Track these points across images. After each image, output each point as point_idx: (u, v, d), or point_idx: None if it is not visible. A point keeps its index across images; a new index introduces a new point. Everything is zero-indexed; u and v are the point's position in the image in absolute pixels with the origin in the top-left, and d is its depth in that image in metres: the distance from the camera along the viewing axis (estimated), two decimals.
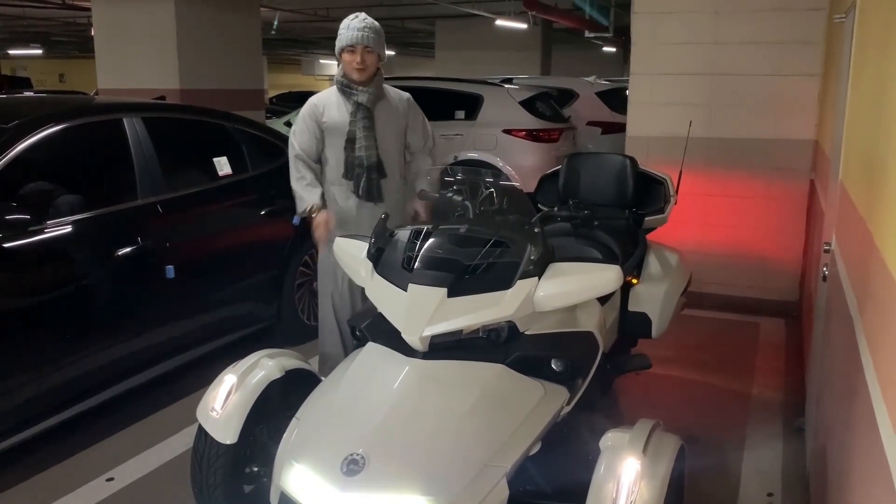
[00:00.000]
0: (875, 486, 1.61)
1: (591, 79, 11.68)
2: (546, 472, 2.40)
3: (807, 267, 5.04)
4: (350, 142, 3.63)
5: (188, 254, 4.06)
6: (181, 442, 3.54)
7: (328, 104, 3.70)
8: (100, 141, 3.94)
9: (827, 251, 3.18)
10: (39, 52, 25.63)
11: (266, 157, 4.86)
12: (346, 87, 3.64)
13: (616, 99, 9.70)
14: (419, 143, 3.87)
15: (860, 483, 1.85)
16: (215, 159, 4.45)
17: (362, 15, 3.59)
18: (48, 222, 3.40)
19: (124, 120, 3.95)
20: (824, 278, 3.20)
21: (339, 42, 3.57)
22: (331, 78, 32.01)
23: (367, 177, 3.66)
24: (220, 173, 4.45)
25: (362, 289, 3.67)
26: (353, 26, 3.54)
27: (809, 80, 5.23)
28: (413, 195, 3.76)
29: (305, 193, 3.70)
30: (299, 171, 3.72)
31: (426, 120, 3.91)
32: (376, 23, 3.61)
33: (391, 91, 3.80)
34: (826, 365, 3.01)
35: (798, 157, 5.35)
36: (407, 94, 3.85)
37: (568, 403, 2.53)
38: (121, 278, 3.71)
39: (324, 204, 3.69)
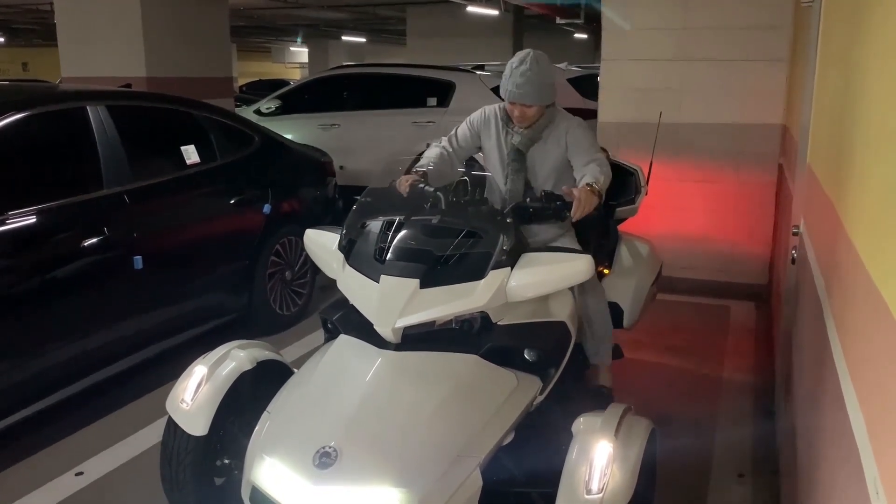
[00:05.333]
0: (844, 466, 1.63)
1: (562, 65, 11.68)
2: (519, 460, 2.41)
3: (776, 250, 5.10)
4: (503, 179, 3.23)
5: (156, 244, 4.00)
6: (151, 435, 3.49)
7: (493, 129, 3.23)
8: (63, 129, 3.85)
9: (795, 234, 3.21)
10: (1, 40, 25.04)
11: (235, 146, 4.80)
12: (506, 122, 3.21)
13: (588, 85, 9.71)
14: (582, 157, 3.08)
15: (828, 462, 1.88)
16: (183, 148, 4.37)
17: (529, 60, 2.98)
18: (10, 213, 3.32)
19: (88, 108, 3.86)
20: (793, 261, 3.23)
21: (501, 87, 3.10)
22: (301, 65, 31.75)
23: None
24: (188, 162, 4.37)
25: None
26: (514, 77, 2.98)
27: (778, 65, 5.27)
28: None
29: (423, 159, 3.20)
30: (435, 148, 3.25)
31: (591, 135, 3.22)
32: (545, 70, 3.01)
33: (557, 125, 3.15)
34: (795, 346, 3.05)
35: (767, 141, 5.40)
36: (576, 121, 3.19)
37: (541, 393, 2.53)
38: (87, 269, 3.64)
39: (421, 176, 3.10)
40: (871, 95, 1.80)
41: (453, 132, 3.32)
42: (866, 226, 1.68)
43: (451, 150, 3.25)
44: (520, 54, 3.03)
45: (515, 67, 2.98)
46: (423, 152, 3.26)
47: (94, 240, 3.63)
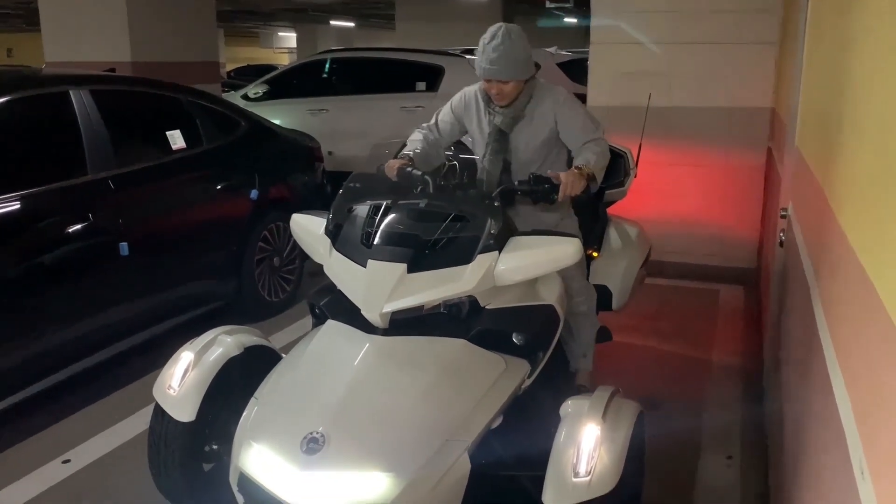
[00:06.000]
0: (831, 449, 1.64)
1: (552, 49, 11.63)
2: (508, 444, 2.40)
3: (765, 234, 5.11)
4: (481, 160, 3.16)
5: (142, 230, 3.96)
6: (139, 422, 3.47)
7: (474, 111, 3.14)
8: (46, 114, 3.81)
9: (783, 216, 3.21)
10: None
11: (221, 131, 4.76)
12: (487, 102, 3.10)
13: (577, 70, 9.68)
14: (577, 139, 3.02)
15: (816, 444, 1.88)
16: (168, 133, 4.33)
17: (500, 34, 2.86)
18: None
19: (71, 92, 3.81)
20: (781, 244, 3.23)
21: (476, 64, 2.98)
22: (290, 50, 31.53)
23: None
24: (174, 147, 4.32)
25: None
26: (487, 53, 2.87)
27: (767, 48, 5.25)
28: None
29: (409, 144, 3.17)
30: (419, 133, 3.21)
31: (580, 111, 3.10)
32: (518, 43, 2.88)
33: (540, 100, 3.03)
34: (783, 329, 3.05)
35: (756, 124, 5.39)
36: (562, 96, 3.07)
37: (529, 376, 2.53)
38: (72, 256, 3.61)
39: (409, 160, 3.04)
40: (860, 78, 1.79)
41: (435, 119, 3.25)
42: (854, 208, 1.68)
43: (434, 136, 3.19)
44: (491, 29, 2.93)
45: (487, 43, 2.88)
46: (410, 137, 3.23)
47: (79, 226, 3.60)
